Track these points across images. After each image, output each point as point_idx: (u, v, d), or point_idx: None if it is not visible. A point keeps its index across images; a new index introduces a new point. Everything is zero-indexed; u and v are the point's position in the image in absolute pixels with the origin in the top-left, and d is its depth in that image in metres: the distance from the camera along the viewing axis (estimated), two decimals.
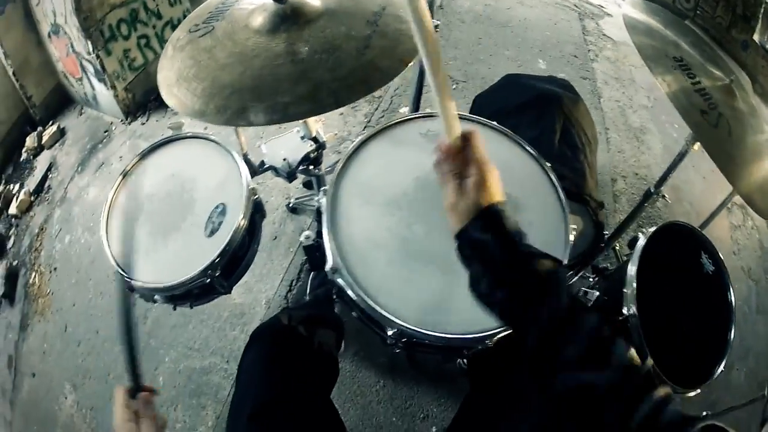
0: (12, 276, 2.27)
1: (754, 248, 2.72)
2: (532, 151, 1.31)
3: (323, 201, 1.14)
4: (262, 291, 2.02)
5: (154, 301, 1.22)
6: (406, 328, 0.99)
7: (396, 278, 1.06)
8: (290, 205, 2.22)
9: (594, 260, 1.88)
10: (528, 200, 1.21)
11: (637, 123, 3.19)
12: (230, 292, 1.30)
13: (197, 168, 1.33)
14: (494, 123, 1.35)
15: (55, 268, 2.24)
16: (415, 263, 1.09)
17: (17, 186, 2.67)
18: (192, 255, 1.16)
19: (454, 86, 3.18)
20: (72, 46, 2.68)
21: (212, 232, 1.20)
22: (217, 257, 1.14)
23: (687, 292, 1.40)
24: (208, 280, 1.15)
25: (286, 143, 1.47)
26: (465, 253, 0.76)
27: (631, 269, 1.31)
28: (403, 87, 2.77)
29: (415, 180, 1.21)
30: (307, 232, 1.32)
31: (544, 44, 3.72)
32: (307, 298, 1.88)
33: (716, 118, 1.24)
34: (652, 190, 1.70)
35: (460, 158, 0.76)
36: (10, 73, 2.77)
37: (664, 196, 2.66)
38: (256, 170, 1.44)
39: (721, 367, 1.29)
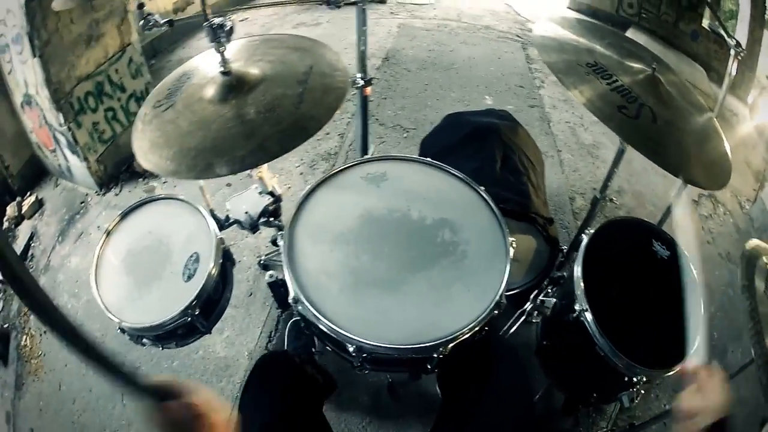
0: (4, 338, 2.40)
1: (730, 233, 2.85)
2: (463, 178, 1.53)
3: (281, 243, 1.36)
4: (244, 344, 2.22)
5: (143, 344, 1.45)
6: (362, 342, 1.16)
7: (349, 302, 1.25)
8: (261, 262, 2.41)
9: (553, 273, 2.00)
10: (465, 220, 1.43)
11: (589, 140, 3.37)
12: (210, 332, 1.51)
13: (171, 224, 1.56)
14: (428, 159, 1.58)
15: (45, 332, 2.37)
16: (364, 288, 1.28)
17: None
18: (173, 298, 1.38)
19: (404, 134, 3.36)
20: (44, 118, 2.84)
21: (189, 278, 1.43)
22: (195, 298, 1.37)
23: (649, 280, 1.48)
24: (189, 318, 1.37)
25: (247, 199, 1.68)
26: None
27: (577, 270, 1.42)
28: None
29: (359, 217, 1.43)
30: (270, 272, 1.59)
31: (489, 80, 3.94)
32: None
33: (636, 109, 1.36)
34: (598, 196, 1.85)
35: None
36: None
37: (612, 200, 2.83)
38: (222, 224, 1.65)
39: (697, 343, 1.30)
